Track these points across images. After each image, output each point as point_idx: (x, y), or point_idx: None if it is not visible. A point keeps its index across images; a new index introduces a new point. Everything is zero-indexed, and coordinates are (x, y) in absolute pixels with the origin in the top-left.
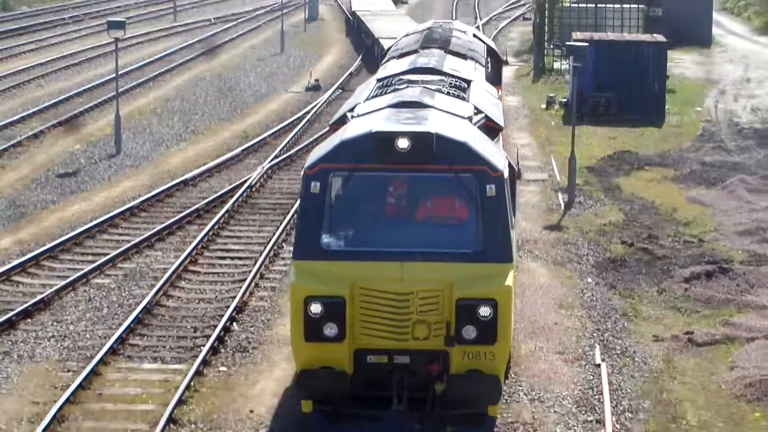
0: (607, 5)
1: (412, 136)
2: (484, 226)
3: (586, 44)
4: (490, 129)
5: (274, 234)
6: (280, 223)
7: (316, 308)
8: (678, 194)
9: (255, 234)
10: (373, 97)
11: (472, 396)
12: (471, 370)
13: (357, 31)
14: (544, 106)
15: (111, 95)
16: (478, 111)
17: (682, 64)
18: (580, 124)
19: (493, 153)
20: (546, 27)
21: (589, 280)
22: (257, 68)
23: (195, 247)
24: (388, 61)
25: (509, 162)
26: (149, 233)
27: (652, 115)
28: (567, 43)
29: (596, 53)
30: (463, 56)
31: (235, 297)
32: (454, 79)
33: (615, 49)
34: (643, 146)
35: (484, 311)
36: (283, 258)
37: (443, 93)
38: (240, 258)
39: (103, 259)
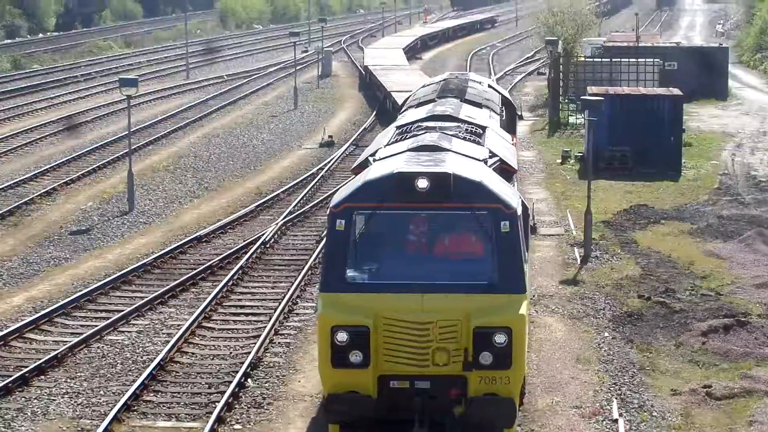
0: (622, 60)
1: (431, 176)
2: (499, 259)
3: (601, 98)
4: (505, 171)
5: (288, 290)
6: (295, 280)
7: (342, 337)
8: (695, 248)
9: (269, 290)
10: (393, 143)
11: (490, 418)
12: (488, 394)
13: (370, 86)
14: (559, 160)
15: (124, 152)
16: (492, 154)
17: (698, 117)
18: (596, 179)
19: (507, 192)
20: (561, 81)
21: (606, 334)
22: (270, 124)
23: (209, 304)
24: (406, 110)
25: (522, 201)
26: (163, 290)
27: (669, 169)
28: (582, 97)
29: (612, 107)
30: (479, 105)
31: (249, 353)
32: (469, 126)
33: (630, 102)
34: (660, 200)
35: (500, 338)
36: (297, 314)
37: (459, 138)
38: (254, 314)
39: (117, 315)
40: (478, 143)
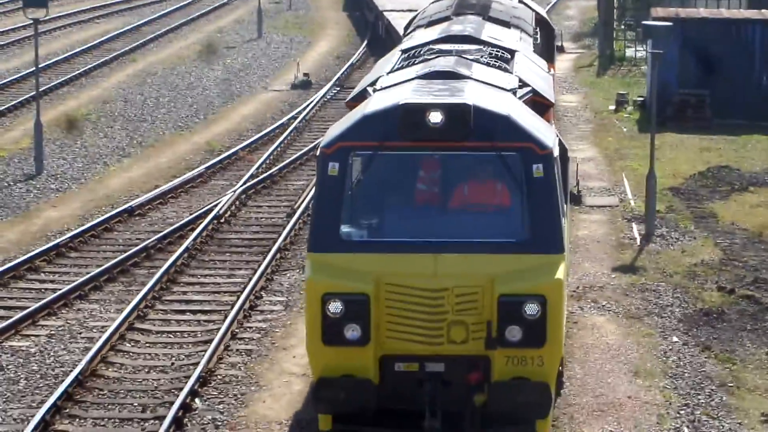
0: None
1: (446, 108)
2: (531, 211)
3: (670, 24)
4: (538, 105)
5: (249, 280)
6: (258, 266)
7: (335, 307)
8: None
9: (224, 280)
10: (397, 69)
11: (518, 408)
12: (516, 378)
13: (357, 4)
14: (612, 107)
15: (29, 95)
16: (523, 84)
17: None
18: (662, 132)
19: (541, 128)
20: (615, 1)
21: (675, 339)
22: (226, 59)
23: (144, 298)
24: (413, 30)
25: (560, 140)
26: (81, 280)
27: (760, 119)
28: (644, 22)
29: (684, 36)
30: (506, 24)
31: (198, 364)
32: (494, 49)
33: (709, 29)
34: (748, 160)
35: (531, 309)
36: (261, 312)
37: (482, 63)
38: (204, 312)
39: (20, 314)
40: (506, 70)
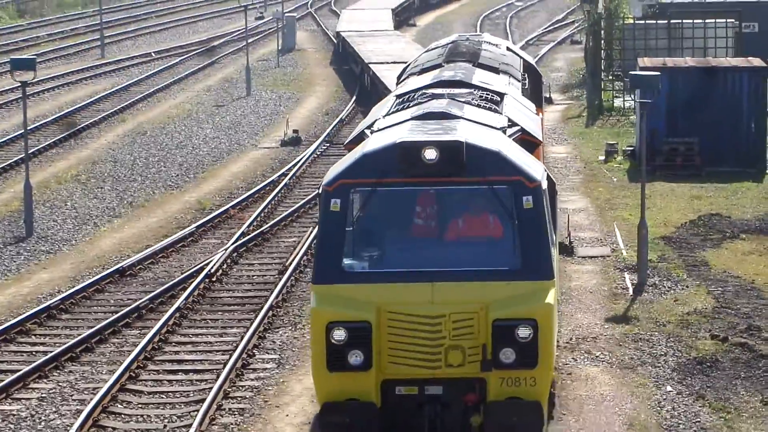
0: (685, 21)
1: (440, 145)
2: (522, 240)
3: (658, 73)
4: (527, 143)
5: (242, 338)
6: (251, 323)
7: (339, 335)
8: None
9: (216, 339)
10: (393, 113)
11: (513, 427)
12: (510, 398)
13: (345, 59)
14: (602, 157)
15: (19, 158)
16: (512, 123)
17: None
18: (652, 181)
19: (530, 163)
20: (602, 52)
21: (669, 388)
22: (215, 117)
23: (135, 359)
24: (407, 77)
25: (548, 175)
26: (73, 341)
27: (749, 166)
28: (631, 72)
29: (671, 85)
30: (495, 70)
31: (190, 426)
32: (484, 92)
33: (697, 78)
34: (738, 207)
35: (524, 332)
36: (254, 370)
37: (473, 105)
38: (196, 371)
39: (11, 377)
40: (495, 111)
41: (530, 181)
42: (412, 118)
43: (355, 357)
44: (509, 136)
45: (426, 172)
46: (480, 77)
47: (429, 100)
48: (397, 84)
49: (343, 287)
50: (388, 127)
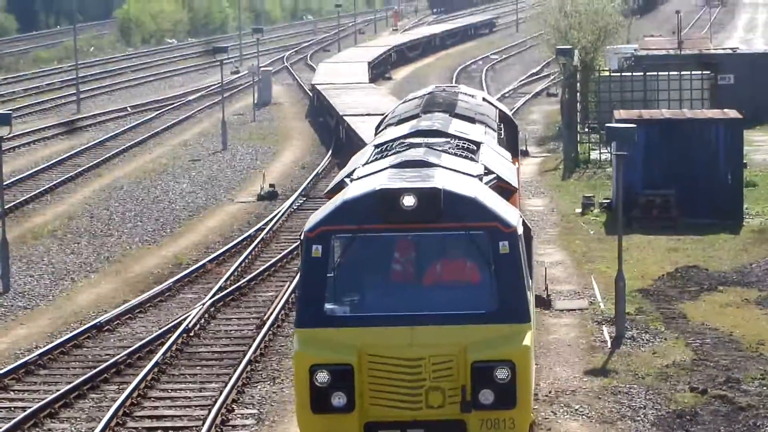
0: (660, 73)
1: (418, 192)
2: (498, 284)
3: (634, 125)
4: (503, 190)
5: (221, 393)
6: (229, 378)
7: (322, 377)
8: (765, 322)
9: (195, 394)
10: (372, 161)
11: None
12: None
13: (320, 112)
14: (579, 210)
15: None
16: (488, 171)
17: (763, 147)
18: (629, 233)
19: (506, 210)
20: (578, 104)
21: None
22: (191, 172)
23: (114, 415)
24: (385, 128)
25: (524, 220)
26: (51, 397)
27: (726, 217)
28: (607, 125)
29: (647, 137)
30: (471, 120)
31: None
32: (461, 141)
33: (673, 130)
34: (716, 260)
35: (502, 373)
36: (233, 426)
37: (450, 154)
38: (175, 428)
39: None
40: (472, 159)
41: (506, 226)
42: (391, 167)
43: (338, 399)
44: (485, 183)
45: (405, 218)
46: (456, 127)
47: (407, 149)
48: (376, 134)
49: (325, 331)
50: (367, 176)
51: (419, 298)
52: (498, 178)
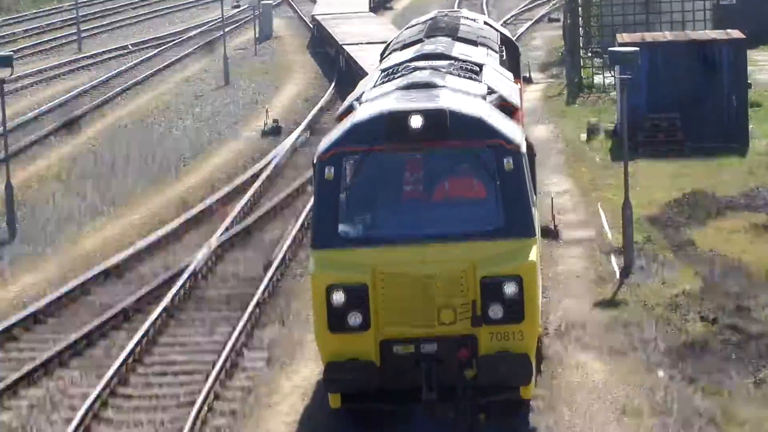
0: None
1: (425, 113)
2: (504, 201)
3: (636, 48)
4: (506, 109)
5: (230, 336)
6: (238, 321)
7: (338, 297)
8: None
9: (204, 339)
10: (379, 85)
11: (503, 377)
12: (500, 352)
13: (321, 43)
14: (584, 136)
15: None
16: (492, 91)
17: (767, 67)
18: (635, 159)
19: (509, 127)
20: (581, 29)
21: (661, 373)
22: (194, 108)
23: (124, 362)
24: (390, 53)
25: (527, 139)
26: (61, 347)
27: (732, 140)
28: (610, 48)
29: (651, 60)
30: (474, 43)
31: (182, 429)
32: (464, 63)
33: (676, 52)
34: (723, 184)
35: (510, 289)
36: (244, 370)
37: (454, 75)
38: (185, 373)
39: (0, 385)
40: (475, 80)
41: (510, 143)
42: (398, 89)
43: (354, 318)
44: (489, 102)
45: (412, 138)
46: (459, 50)
47: (412, 72)
48: (381, 60)
49: (340, 252)
50: (375, 98)
51: (429, 216)
52: (501, 97)
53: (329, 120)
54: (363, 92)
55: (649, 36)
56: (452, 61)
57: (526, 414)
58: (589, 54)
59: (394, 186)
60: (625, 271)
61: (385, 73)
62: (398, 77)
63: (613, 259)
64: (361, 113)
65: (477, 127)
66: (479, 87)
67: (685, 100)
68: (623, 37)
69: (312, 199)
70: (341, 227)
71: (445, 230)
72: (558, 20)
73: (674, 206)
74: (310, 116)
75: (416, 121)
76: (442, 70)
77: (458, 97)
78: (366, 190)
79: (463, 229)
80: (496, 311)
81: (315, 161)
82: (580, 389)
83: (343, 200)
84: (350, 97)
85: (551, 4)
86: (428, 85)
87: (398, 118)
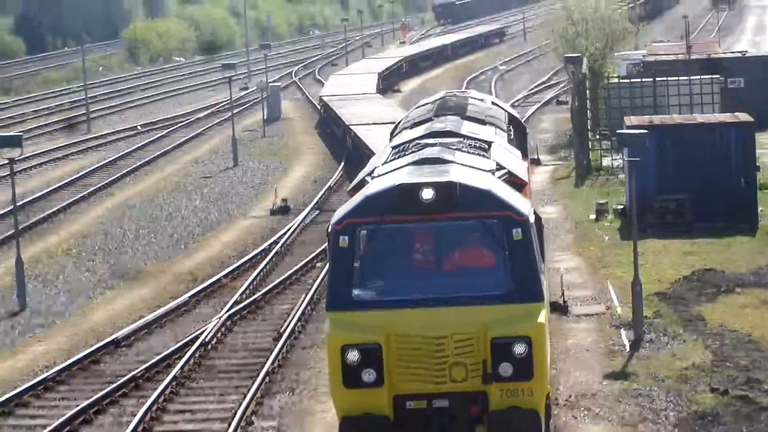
0: (670, 78)
1: (436, 186)
2: (513, 268)
3: (645, 131)
4: (514, 184)
5: (240, 405)
6: (248, 390)
7: (353, 356)
8: None
9: (214, 406)
10: (390, 161)
11: None
12: (510, 408)
13: (327, 123)
14: (593, 216)
15: (8, 234)
16: (500, 167)
17: None
18: (644, 238)
19: (518, 200)
20: (588, 112)
21: None
22: (204, 188)
23: (135, 429)
24: (400, 132)
25: (534, 211)
26: (71, 413)
27: (741, 220)
28: (618, 131)
29: (659, 142)
30: (482, 121)
31: None
32: (473, 141)
33: (684, 135)
34: (732, 262)
35: (519, 348)
36: None
37: (463, 151)
38: None
39: None
40: (484, 156)
41: (518, 215)
42: (409, 164)
43: (368, 375)
44: (498, 177)
45: (424, 210)
46: (468, 128)
47: (422, 149)
48: (391, 137)
49: (354, 314)
50: (387, 173)
51: (440, 282)
52: (509, 173)
53: (337, 201)
54: (375, 167)
55: (657, 119)
56: (461, 139)
57: None
58: (597, 136)
59: (406, 254)
60: (635, 345)
61: (396, 149)
62: (409, 153)
63: (622, 332)
64: (374, 186)
65: (486, 199)
66: (488, 162)
67: (694, 181)
68: (631, 119)
69: (327, 267)
70: (355, 291)
71: (456, 295)
72: (566, 103)
73: (684, 283)
74: (318, 196)
75: (427, 193)
76: (452, 146)
77: (468, 171)
78: (379, 258)
79: (474, 294)
80: (506, 369)
81: (330, 230)
82: None
83: (357, 267)
84: (362, 172)
85: (559, 87)
86: (438, 161)
87: (410, 190)
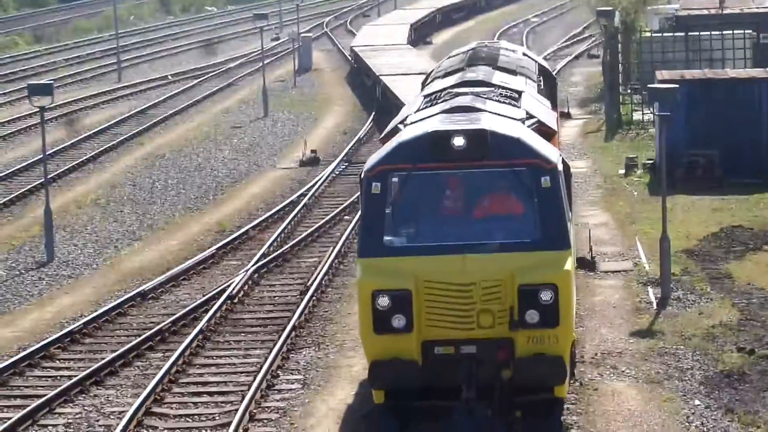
0: (702, 33)
1: (467, 134)
2: (541, 216)
3: (676, 86)
4: (543, 133)
5: (266, 359)
6: (274, 344)
7: (383, 301)
8: None
9: (240, 360)
10: (422, 109)
11: (538, 378)
12: (536, 354)
13: (358, 74)
14: (622, 171)
15: (38, 183)
16: (530, 116)
17: None
18: (673, 194)
19: (547, 148)
20: (620, 66)
21: (697, 402)
22: (233, 139)
23: (160, 382)
24: (432, 81)
25: (563, 159)
26: (97, 365)
27: None
28: (649, 85)
29: (690, 97)
30: (513, 72)
31: None
32: (504, 90)
33: (715, 90)
34: (761, 219)
35: (546, 296)
36: (278, 391)
37: (494, 100)
38: (221, 393)
39: (36, 402)
40: (515, 105)
41: (547, 163)
42: (441, 112)
43: (398, 320)
44: (528, 126)
45: (455, 157)
46: (499, 78)
47: (454, 97)
48: (423, 87)
49: (385, 260)
50: (419, 121)
51: (469, 229)
52: (539, 122)
53: (367, 152)
54: (407, 116)
55: (688, 74)
56: (492, 88)
57: (559, 412)
58: (629, 90)
59: (437, 201)
60: (662, 302)
61: (428, 98)
62: (441, 102)
63: (650, 290)
64: (407, 134)
65: (516, 147)
66: (518, 111)
67: (724, 137)
68: (663, 74)
69: (359, 213)
70: (386, 238)
71: (484, 242)
72: (597, 56)
73: (712, 240)
74: (348, 148)
75: (459, 141)
76: (483, 95)
77: (498, 119)
78: (410, 205)
79: (502, 241)
80: (532, 316)
81: (362, 177)
82: (616, 417)
83: (389, 213)
84: (395, 120)
85: (591, 41)
86: (470, 109)
87: (441, 137)
